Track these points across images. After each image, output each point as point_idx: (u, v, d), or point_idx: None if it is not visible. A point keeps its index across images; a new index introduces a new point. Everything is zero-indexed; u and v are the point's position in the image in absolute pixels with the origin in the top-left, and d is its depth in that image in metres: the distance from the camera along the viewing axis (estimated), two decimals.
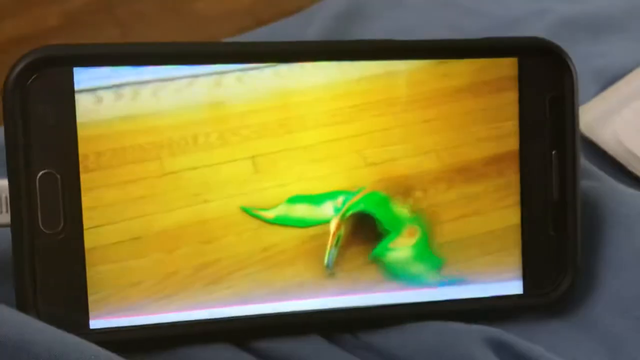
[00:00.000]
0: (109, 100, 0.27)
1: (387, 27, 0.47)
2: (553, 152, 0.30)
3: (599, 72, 0.43)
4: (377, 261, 0.30)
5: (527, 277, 0.30)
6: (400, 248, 0.30)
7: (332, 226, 0.29)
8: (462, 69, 0.30)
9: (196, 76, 0.27)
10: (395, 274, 0.30)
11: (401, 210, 0.30)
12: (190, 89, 0.27)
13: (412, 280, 0.30)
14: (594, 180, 0.35)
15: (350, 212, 0.29)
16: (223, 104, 0.28)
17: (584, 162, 0.36)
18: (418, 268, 0.30)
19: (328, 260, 0.29)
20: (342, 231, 0.29)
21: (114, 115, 0.27)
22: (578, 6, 0.48)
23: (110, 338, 0.27)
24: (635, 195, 0.33)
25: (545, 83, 0.30)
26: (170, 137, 0.27)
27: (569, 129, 0.30)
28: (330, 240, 0.29)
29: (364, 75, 0.29)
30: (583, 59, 0.42)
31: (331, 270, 0.29)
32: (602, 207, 0.32)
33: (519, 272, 0.30)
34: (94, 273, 0.27)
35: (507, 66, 0.30)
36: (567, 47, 0.31)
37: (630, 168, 0.38)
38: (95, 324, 0.27)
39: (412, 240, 0.30)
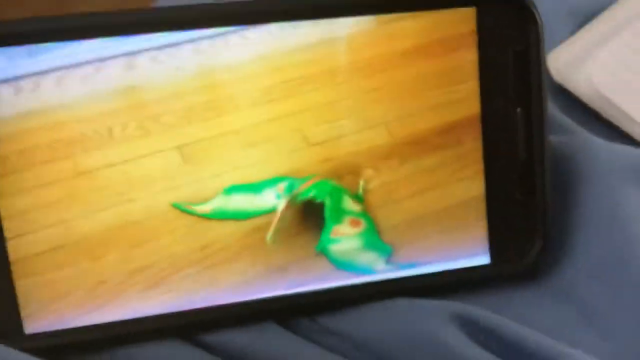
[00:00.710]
0: (8, 95, 0.24)
1: None
2: (518, 110, 0.28)
3: (573, 11, 0.40)
4: (325, 252, 0.27)
5: (494, 246, 0.28)
6: (348, 236, 0.27)
7: (280, 206, 0.26)
8: (410, 27, 0.27)
9: (103, 60, 0.24)
10: (346, 263, 0.27)
11: (353, 196, 0.27)
12: (99, 75, 0.24)
13: (365, 268, 0.28)
14: (566, 134, 0.33)
15: (300, 199, 0.26)
16: (139, 89, 0.25)
17: (556, 115, 0.34)
18: (371, 255, 0.28)
19: (271, 237, 0.26)
20: (288, 215, 0.26)
21: (15, 112, 0.24)
22: None
23: (48, 343, 0.25)
24: (609, 148, 0.31)
25: (508, 35, 0.27)
26: (82, 131, 0.24)
27: (534, 84, 0.28)
28: (275, 220, 0.26)
29: (298, 45, 0.26)
30: None
31: (274, 247, 0.26)
32: (573, 163, 0.30)
33: (485, 241, 0.28)
34: (20, 285, 0.25)
35: (464, 18, 0.27)
36: None
37: (606, 116, 0.36)
38: (30, 329, 0.25)
39: (362, 227, 0.27)
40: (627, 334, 0.27)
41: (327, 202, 0.27)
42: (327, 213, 0.27)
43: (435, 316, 0.27)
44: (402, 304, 0.27)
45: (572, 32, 0.39)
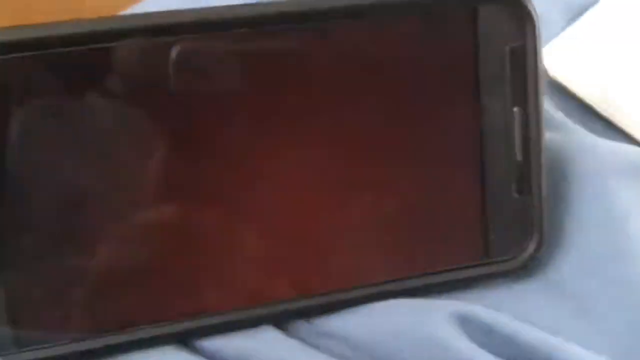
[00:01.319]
0: None
1: None
2: (515, 109, 0.28)
3: (569, 5, 0.40)
4: None
5: (491, 245, 0.28)
6: None
7: None
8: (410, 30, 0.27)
9: None
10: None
11: None
12: None
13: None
14: (561, 131, 0.32)
15: None
16: None
17: (552, 112, 0.34)
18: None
19: None
20: None
21: None
22: None
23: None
24: (604, 146, 0.31)
25: (505, 34, 0.27)
26: None
27: (531, 83, 0.27)
28: None
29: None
30: None
31: None
32: (569, 162, 0.30)
33: (481, 240, 0.28)
34: None
35: (460, 19, 0.27)
36: None
37: (601, 111, 0.35)
38: None
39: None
40: (622, 329, 0.28)
41: None
42: None
43: (433, 315, 0.27)
44: (400, 304, 0.27)
45: (568, 25, 0.39)
